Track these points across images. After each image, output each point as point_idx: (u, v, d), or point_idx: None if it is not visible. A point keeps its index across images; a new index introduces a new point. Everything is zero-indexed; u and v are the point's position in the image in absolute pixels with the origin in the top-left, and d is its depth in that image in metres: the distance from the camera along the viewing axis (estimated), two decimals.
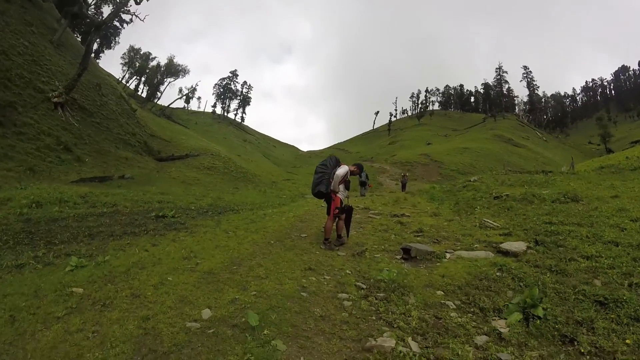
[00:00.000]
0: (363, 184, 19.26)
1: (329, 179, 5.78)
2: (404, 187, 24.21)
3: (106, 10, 48.31)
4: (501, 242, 5.60)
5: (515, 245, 5.31)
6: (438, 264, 4.80)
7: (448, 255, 5.18)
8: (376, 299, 3.54)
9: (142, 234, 6.46)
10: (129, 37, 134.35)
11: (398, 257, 5.20)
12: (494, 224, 7.20)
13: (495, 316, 3.34)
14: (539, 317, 3.20)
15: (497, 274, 4.29)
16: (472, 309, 3.43)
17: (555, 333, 2.93)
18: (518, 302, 3.46)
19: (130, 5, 27.17)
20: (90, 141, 20.25)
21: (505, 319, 3.30)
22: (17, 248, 5.41)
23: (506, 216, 7.99)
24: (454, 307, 3.47)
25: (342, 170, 5.85)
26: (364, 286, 3.89)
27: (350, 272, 4.38)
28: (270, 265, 4.53)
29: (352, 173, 6.16)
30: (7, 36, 20.41)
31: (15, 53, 19.82)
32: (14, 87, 17.72)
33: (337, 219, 5.94)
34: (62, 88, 20.22)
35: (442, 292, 3.78)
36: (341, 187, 5.91)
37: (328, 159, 6.06)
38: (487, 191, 11.43)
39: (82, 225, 7.08)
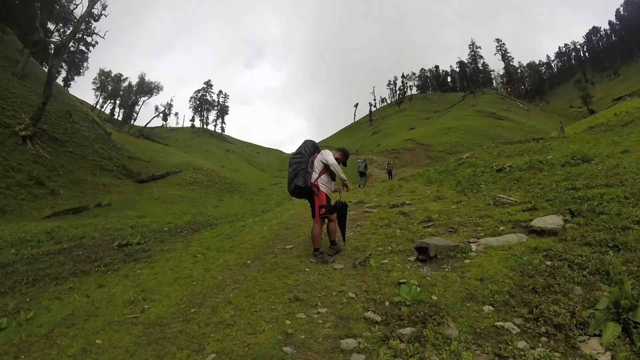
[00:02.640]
0: (362, 175, 18.42)
1: (306, 168, 4.42)
2: (390, 175, 23.59)
3: None
4: (530, 220, 4.61)
5: (549, 221, 4.33)
6: (467, 260, 3.62)
7: (474, 247, 4.03)
8: (401, 340, 2.23)
9: (93, 272, 5.26)
10: (98, 61, 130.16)
11: (412, 258, 3.98)
12: (510, 198, 6.25)
13: (582, 333, 2.22)
14: None
15: (547, 263, 3.24)
16: (543, 329, 2.26)
17: None
18: (607, 307, 2.34)
19: (92, 25, 25.96)
20: (64, 172, 19.21)
21: (597, 335, 2.18)
22: None
23: (519, 188, 7.16)
24: (517, 330, 2.28)
25: (326, 155, 4.55)
26: (379, 318, 2.58)
27: (354, 296, 3.07)
28: (241, 301, 3.25)
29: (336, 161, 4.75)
30: None
31: None
32: None
33: (326, 220, 4.61)
34: (28, 120, 19.13)
35: (490, 307, 2.58)
36: (324, 177, 4.52)
37: (303, 145, 4.71)
38: (487, 165, 10.78)
39: (31, 268, 5.99)
